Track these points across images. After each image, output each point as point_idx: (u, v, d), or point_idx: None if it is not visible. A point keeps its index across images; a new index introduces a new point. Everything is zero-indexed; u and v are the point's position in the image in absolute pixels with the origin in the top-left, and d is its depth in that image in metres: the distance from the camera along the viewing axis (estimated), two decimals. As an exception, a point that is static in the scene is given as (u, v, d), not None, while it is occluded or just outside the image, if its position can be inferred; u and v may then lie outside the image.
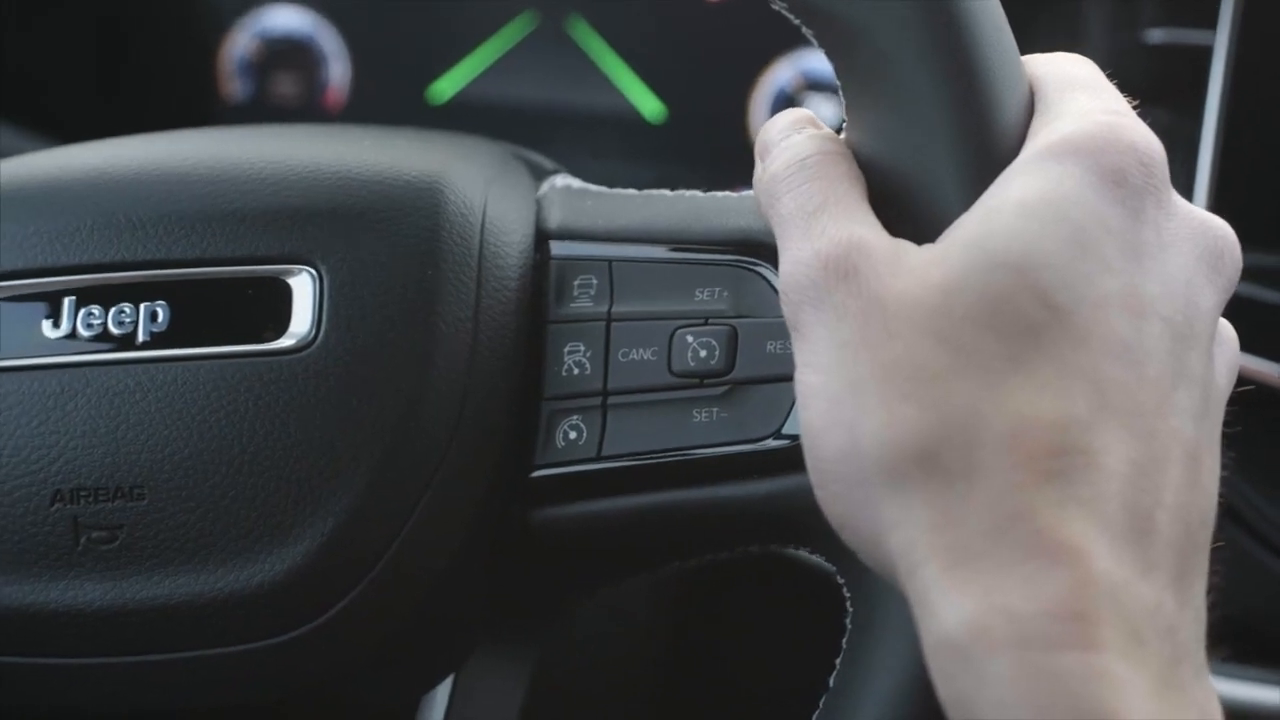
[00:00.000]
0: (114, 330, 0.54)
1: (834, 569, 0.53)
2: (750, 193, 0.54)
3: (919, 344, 0.42)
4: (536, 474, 0.55)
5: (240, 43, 1.21)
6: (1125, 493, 0.41)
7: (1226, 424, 0.47)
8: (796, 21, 0.50)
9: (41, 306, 0.54)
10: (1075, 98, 0.48)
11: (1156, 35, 0.98)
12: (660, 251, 0.56)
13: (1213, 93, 0.86)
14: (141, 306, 0.54)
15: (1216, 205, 0.85)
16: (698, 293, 0.55)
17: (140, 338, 0.54)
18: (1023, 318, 0.42)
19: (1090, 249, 0.43)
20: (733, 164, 1.15)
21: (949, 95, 0.47)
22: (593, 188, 0.60)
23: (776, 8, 0.50)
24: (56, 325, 0.54)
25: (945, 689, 0.41)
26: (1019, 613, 0.39)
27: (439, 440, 0.53)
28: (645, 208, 0.56)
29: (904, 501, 0.42)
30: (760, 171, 0.50)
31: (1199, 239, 0.47)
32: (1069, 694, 0.38)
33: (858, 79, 0.49)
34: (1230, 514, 0.83)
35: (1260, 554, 0.84)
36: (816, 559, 0.54)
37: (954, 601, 0.40)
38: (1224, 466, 0.46)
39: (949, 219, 0.46)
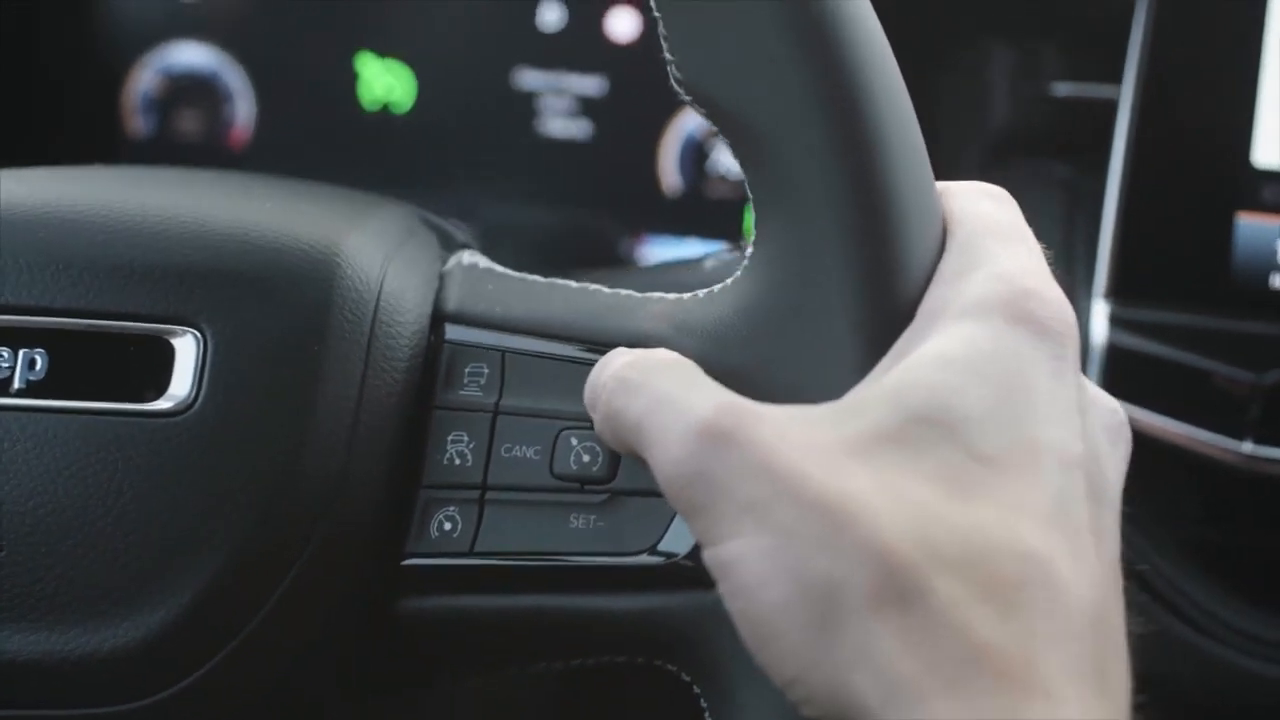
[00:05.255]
0: (-12, 374, 0.52)
1: (698, 690, 0.52)
2: (655, 294, 0.54)
3: (843, 481, 0.41)
4: (407, 562, 0.54)
5: (144, 79, 1.19)
6: (1090, 637, 0.40)
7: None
8: (713, 127, 0.49)
9: (-85, 345, 0.53)
10: (992, 249, 0.47)
11: (1062, 88, 0.98)
12: (556, 348, 0.54)
13: (1117, 147, 0.86)
14: (20, 352, 0.52)
15: (1120, 261, 0.85)
16: None
17: (15, 384, 0.52)
18: (950, 468, 0.41)
19: (1015, 398, 0.43)
20: (640, 209, 1.15)
21: (858, 223, 0.46)
22: (497, 269, 0.58)
23: (694, 109, 0.50)
24: None
25: None
26: None
27: (309, 518, 0.52)
28: (546, 299, 0.55)
29: (864, 636, 0.39)
30: (598, 421, 0.49)
31: (1102, 412, 0.47)
32: None
33: (766, 192, 0.48)
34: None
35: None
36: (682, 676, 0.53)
37: None
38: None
39: (846, 357, 0.46)
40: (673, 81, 0.49)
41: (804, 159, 0.46)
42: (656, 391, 0.46)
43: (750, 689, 0.48)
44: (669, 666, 0.53)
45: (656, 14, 0.48)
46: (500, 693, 0.94)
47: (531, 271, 0.57)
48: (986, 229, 0.48)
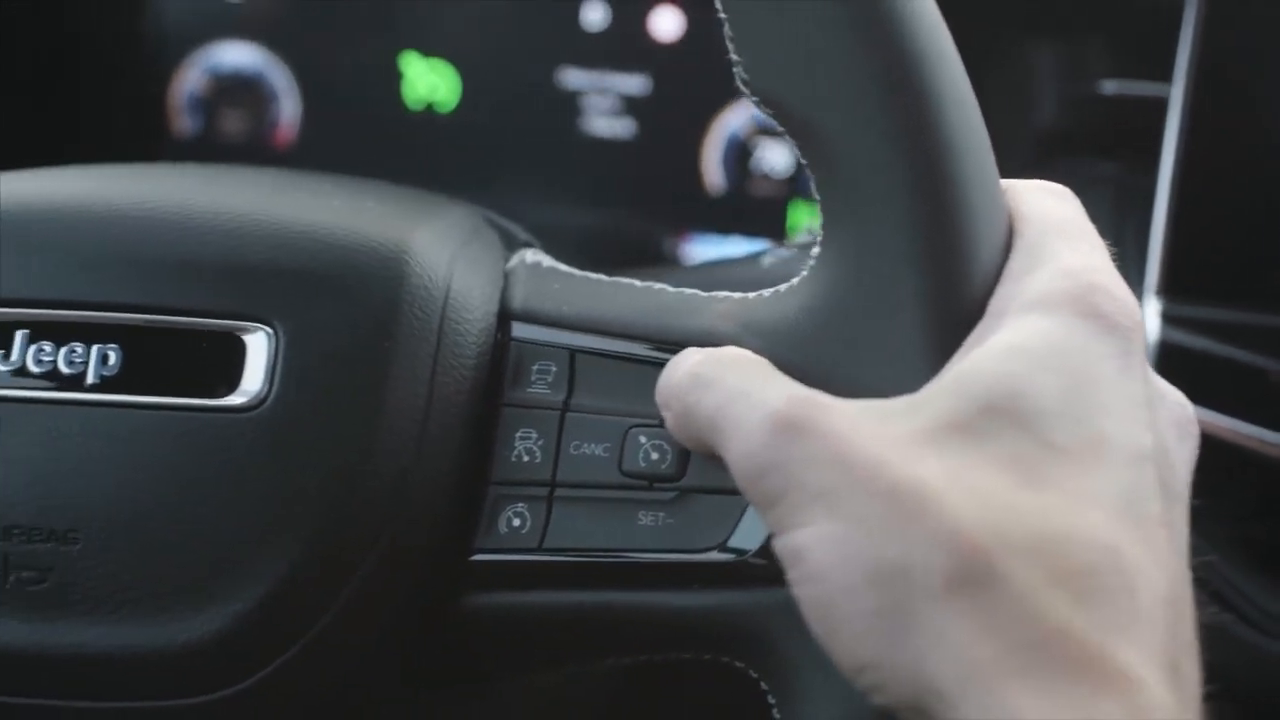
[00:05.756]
0: (64, 369, 0.53)
1: (765, 687, 0.52)
2: (720, 293, 0.54)
3: (914, 469, 0.41)
4: (475, 558, 0.54)
5: (190, 78, 1.20)
6: (1163, 627, 0.40)
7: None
8: (780, 129, 0.49)
9: (-8, 337, 0.53)
10: (1057, 248, 0.47)
11: (1110, 86, 0.98)
12: (623, 346, 0.54)
13: (1168, 146, 0.86)
14: (94, 348, 0.53)
15: (1171, 259, 0.85)
16: None
17: (89, 379, 0.52)
18: (1020, 456, 0.41)
19: (1084, 390, 0.43)
20: (684, 208, 1.15)
21: (926, 223, 0.46)
22: (561, 267, 0.58)
23: (760, 111, 0.50)
24: (7, 358, 0.53)
25: None
26: None
27: (379, 515, 0.52)
28: (613, 298, 0.55)
29: (938, 621, 0.39)
30: (671, 419, 0.50)
31: (1170, 406, 0.47)
32: None
33: (833, 192, 0.48)
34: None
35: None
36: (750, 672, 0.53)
37: (1010, 716, 0.38)
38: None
39: (915, 357, 0.46)
40: (738, 82, 0.49)
41: (871, 159, 0.46)
42: (730, 386, 0.46)
43: (820, 685, 0.48)
44: (736, 663, 0.53)
45: (722, 15, 0.49)
46: (556, 688, 0.94)
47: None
48: (1052, 227, 0.48)
